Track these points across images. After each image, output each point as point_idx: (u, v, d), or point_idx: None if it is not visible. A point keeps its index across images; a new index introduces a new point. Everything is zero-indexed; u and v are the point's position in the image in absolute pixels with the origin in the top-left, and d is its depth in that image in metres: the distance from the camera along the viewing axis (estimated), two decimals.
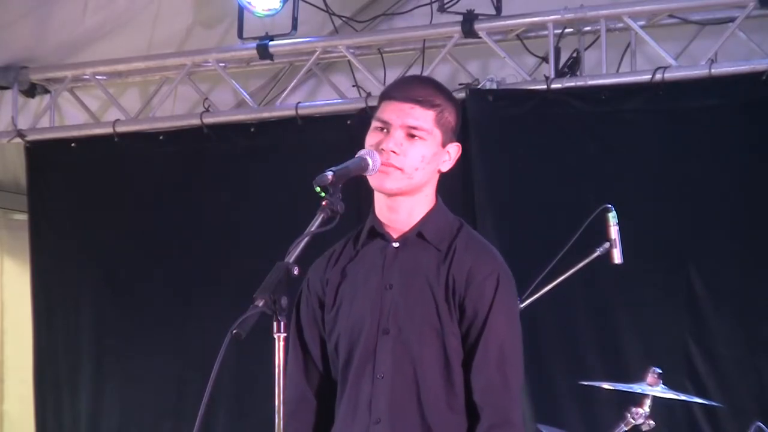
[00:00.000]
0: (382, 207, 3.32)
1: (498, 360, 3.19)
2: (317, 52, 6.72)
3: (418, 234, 3.28)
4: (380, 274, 3.28)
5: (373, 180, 3.25)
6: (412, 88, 3.29)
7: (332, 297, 3.33)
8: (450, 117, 3.29)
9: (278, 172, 6.75)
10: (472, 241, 3.31)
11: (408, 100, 3.24)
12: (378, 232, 3.32)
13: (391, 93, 3.30)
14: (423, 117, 3.24)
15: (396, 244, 3.29)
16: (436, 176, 3.32)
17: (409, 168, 3.22)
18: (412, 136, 3.23)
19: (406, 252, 3.28)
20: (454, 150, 3.32)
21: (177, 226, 7.00)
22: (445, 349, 3.20)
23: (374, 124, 3.28)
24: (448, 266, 3.24)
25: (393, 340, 3.22)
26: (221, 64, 6.93)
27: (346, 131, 6.53)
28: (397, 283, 3.26)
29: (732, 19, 6.09)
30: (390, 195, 3.27)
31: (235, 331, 2.88)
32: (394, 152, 3.21)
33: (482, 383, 3.18)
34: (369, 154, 3.24)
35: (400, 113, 3.24)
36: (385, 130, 3.25)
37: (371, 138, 3.27)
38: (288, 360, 3.35)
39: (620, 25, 6.27)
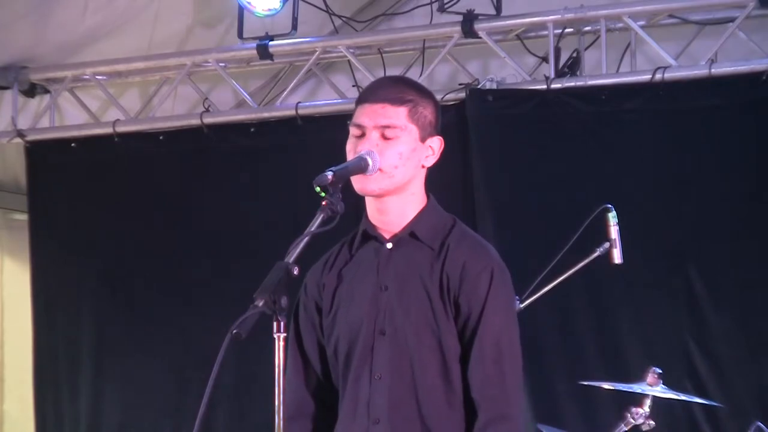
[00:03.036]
0: (372, 210, 3.31)
1: (494, 355, 3.19)
2: (317, 52, 6.72)
3: (410, 234, 3.28)
4: (375, 276, 3.28)
5: (356, 183, 3.24)
6: (383, 89, 3.30)
7: (329, 301, 3.34)
8: (426, 111, 3.28)
9: (278, 172, 6.75)
10: (464, 237, 3.30)
11: (379, 101, 3.25)
12: (371, 235, 3.32)
13: (364, 97, 3.30)
14: (395, 115, 3.23)
15: (389, 245, 3.29)
16: (421, 172, 3.31)
17: (388, 167, 3.21)
18: (387, 135, 3.23)
19: (400, 252, 3.28)
20: (437, 144, 3.30)
21: (177, 226, 7.00)
22: (442, 348, 3.20)
23: (351, 130, 3.28)
24: (441, 264, 3.23)
25: (389, 340, 3.22)
26: (221, 64, 6.93)
27: (346, 131, 6.48)
28: (392, 284, 3.26)
29: (732, 19, 6.09)
30: (376, 197, 3.27)
31: (235, 331, 2.88)
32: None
33: (479, 378, 3.18)
34: (369, 154, 3.23)
35: (372, 115, 3.24)
36: (360, 134, 3.25)
37: (349, 144, 3.27)
38: (287, 365, 3.36)
39: (620, 25, 6.27)
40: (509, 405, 3.19)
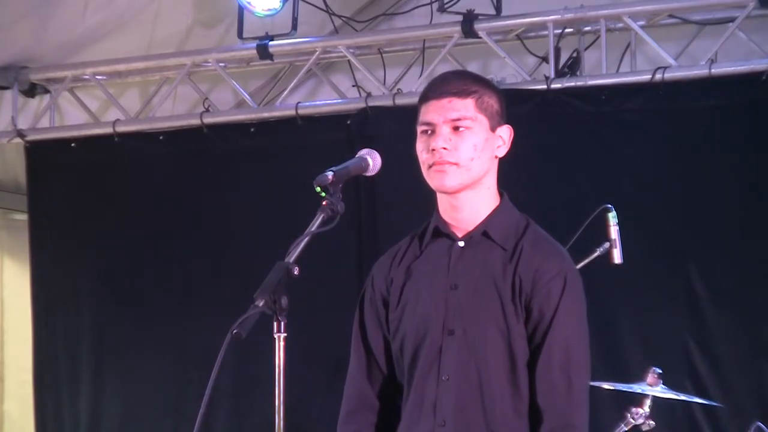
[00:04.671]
0: (445, 206, 3.27)
1: (562, 362, 3.16)
2: (317, 52, 6.72)
3: (483, 233, 3.25)
4: (445, 273, 3.24)
5: (431, 181, 3.21)
6: (446, 83, 3.26)
7: (397, 296, 3.29)
8: (491, 101, 3.26)
9: (278, 172, 6.75)
10: (539, 240, 3.27)
11: (444, 96, 3.22)
12: (443, 232, 3.28)
13: (428, 95, 3.26)
14: (463, 106, 3.21)
15: (461, 244, 3.25)
16: (494, 164, 3.29)
17: (464, 160, 3.19)
18: (458, 128, 3.20)
19: (472, 251, 3.24)
20: (506, 132, 3.31)
21: (177, 226, 7.00)
22: (511, 351, 3.16)
23: (419, 129, 3.25)
24: (514, 266, 3.19)
25: (458, 341, 3.18)
26: (221, 64, 6.93)
27: (346, 131, 6.54)
28: (463, 284, 3.21)
29: (732, 19, 6.09)
30: (452, 193, 3.23)
31: (235, 331, 2.88)
32: (444, 148, 3.18)
33: (545, 386, 3.15)
34: (369, 153, 3.23)
35: (440, 110, 3.21)
36: (430, 132, 3.21)
37: (420, 143, 3.24)
38: (350, 359, 3.36)
39: (620, 25, 6.27)
40: (573, 414, 3.16)
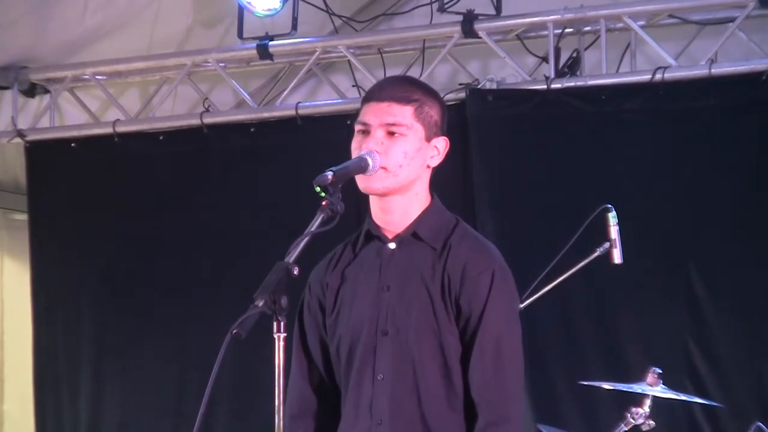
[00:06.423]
0: (376, 209, 3.32)
1: (493, 356, 3.18)
2: (317, 52, 6.72)
3: (413, 234, 3.28)
4: (377, 275, 3.28)
5: (360, 182, 3.24)
6: (389, 87, 3.30)
7: (332, 300, 3.34)
8: (431, 111, 3.28)
9: (278, 172, 6.75)
10: (467, 238, 3.30)
11: (385, 99, 3.25)
12: (374, 235, 3.32)
13: (370, 95, 3.30)
14: (401, 113, 3.23)
15: (392, 245, 3.29)
16: (426, 172, 3.31)
17: (392, 165, 3.21)
18: (392, 133, 3.22)
19: (402, 252, 3.28)
20: (442, 144, 3.30)
21: (177, 226, 7.00)
22: (443, 349, 3.19)
23: (356, 127, 3.28)
24: (443, 264, 3.23)
25: (391, 341, 3.22)
26: (221, 64, 6.93)
27: (346, 131, 6.42)
28: (394, 284, 3.26)
29: (732, 19, 6.09)
30: (380, 196, 3.27)
31: (235, 331, 2.88)
32: (376, 151, 3.21)
33: (478, 380, 3.18)
34: (369, 154, 3.23)
35: (378, 113, 3.24)
36: (366, 132, 3.25)
37: (355, 142, 3.27)
38: (292, 365, 3.37)
39: (620, 25, 6.27)
40: (508, 407, 3.18)
